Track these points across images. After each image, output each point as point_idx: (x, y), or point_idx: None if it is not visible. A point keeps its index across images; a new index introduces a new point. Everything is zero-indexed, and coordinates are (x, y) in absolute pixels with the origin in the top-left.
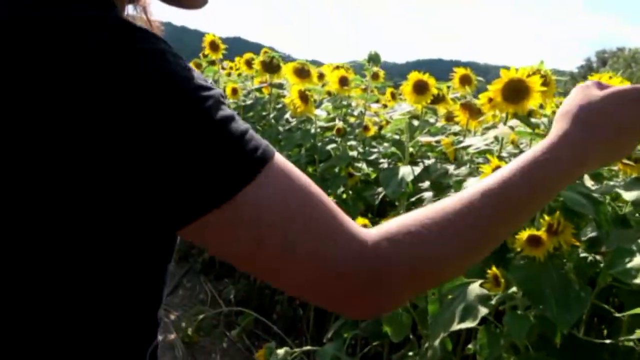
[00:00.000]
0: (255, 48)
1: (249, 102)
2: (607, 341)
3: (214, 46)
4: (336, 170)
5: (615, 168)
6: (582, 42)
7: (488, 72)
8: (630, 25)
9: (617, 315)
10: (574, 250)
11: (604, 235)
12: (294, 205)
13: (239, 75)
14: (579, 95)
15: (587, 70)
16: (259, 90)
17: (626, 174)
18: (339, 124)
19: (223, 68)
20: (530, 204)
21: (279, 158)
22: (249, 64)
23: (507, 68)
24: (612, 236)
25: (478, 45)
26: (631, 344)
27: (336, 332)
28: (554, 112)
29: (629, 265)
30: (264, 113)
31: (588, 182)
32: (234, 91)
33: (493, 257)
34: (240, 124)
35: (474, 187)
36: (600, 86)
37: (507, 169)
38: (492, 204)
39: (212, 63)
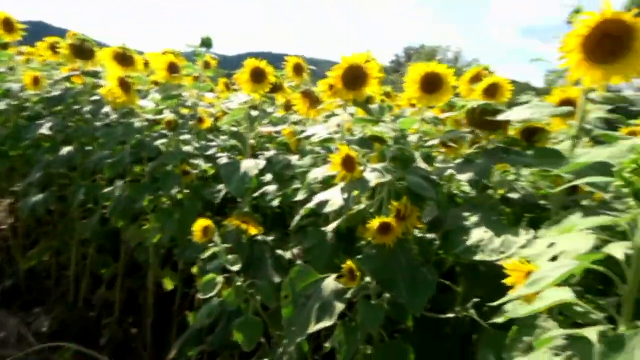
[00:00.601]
0: (63, 34)
1: (56, 93)
2: (450, 315)
3: (8, 26)
4: (169, 168)
5: (443, 150)
6: (394, 38)
7: (315, 66)
8: (436, 23)
9: (455, 288)
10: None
11: (442, 216)
12: None
13: (44, 63)
14: None
15: (397, 64)
16: (69, 79)
17: (447, 156)
18: (170, 116)
19: (21, 54)
20: None
21: None
22: (53, 49)
23: (330, 62)
24: (449, 216)
25: (305, 40)
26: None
27: (180, 351)
28: (382, 100)
29: (469, 243)
30: (76, 107)
31: (422, 164)
32: (36, 81)
33: (342, 248)
34: None
35: None
36: None
37: None
38: None
39: (5, 47)
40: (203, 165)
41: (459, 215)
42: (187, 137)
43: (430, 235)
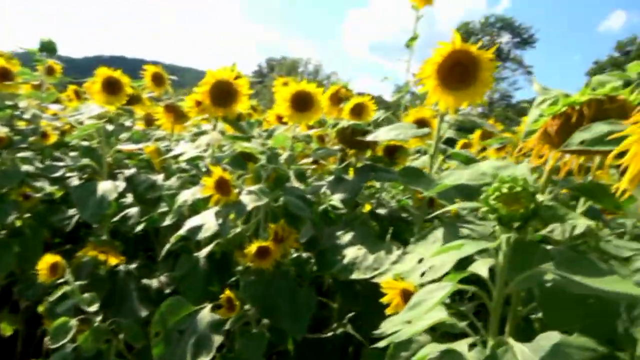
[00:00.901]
0: None
1: None
2: (329, 334)
3: None
4: (3, 191)
5: (314, 167)
6: (256, 49)
7: (174, 74)
8: (290, 37)
9: (333, 305)
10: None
11: (318, 235)
12: None
13: None
14: None
15: (259, 75)
16: None
17: (316, 172)
18: (2, 130)
19: None
20: None
21: None
22: None
23: (192, 70)
24: (324, 235)
25: (161, 44)
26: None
27: None
28: (249, 114)
29: (345, 261)
30: None
31: (296, 183)
32: None
33: (217, 275)
34: None
35: None
36: None
37: None
38: None
39: None
40: (48, 187)
41: (334, 234)
42: (26, 154)
43: (306, 255)
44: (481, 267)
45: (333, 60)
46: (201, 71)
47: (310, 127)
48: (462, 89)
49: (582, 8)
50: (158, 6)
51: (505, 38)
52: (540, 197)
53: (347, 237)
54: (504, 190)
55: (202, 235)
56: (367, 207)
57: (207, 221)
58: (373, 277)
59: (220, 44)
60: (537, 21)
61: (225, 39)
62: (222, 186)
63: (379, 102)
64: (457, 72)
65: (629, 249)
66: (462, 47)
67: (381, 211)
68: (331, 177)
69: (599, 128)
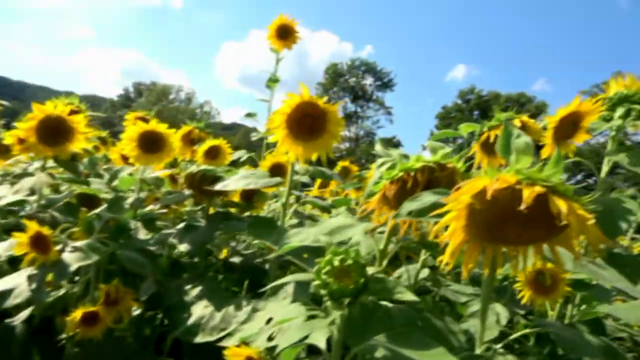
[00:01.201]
0: None
1: None
2: None
3: None
4: None
5: (164, 211)
6: (120, 71)
7: (22, 91)
8: (156, 62)
9: None
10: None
11: (163, 290)
12: None
13: None
14: None
15: (125, 98)
16: None
17: (168, 216)
18: None
19: None
20: None
21: None
22: None
23: (48, 89)
24: (171, 289)
25: (9, 59)
26: None
27: None
28: (96, 147)
29: (190, 321)
30: None
31: (142, 232)
32: None
33: (37, 345)
34: None
35: None
36: None
37: None
38: None
39: None
40: None
41: (181, 288)
42: None
43: (151, 313)
44: (320, 338)
45: (206, 90)
46: (55, 90)
47: (164, 167)
48: (311, 140)
49: (433, 59)
50: (8, 17)
51: (369, 80)
52: (370, 270)
53: (195, 291)
54: (336, 263)
55: (12, 302)
56: (225, 253)
57: (19, 284)
58: (220, 340)
59: (83, 62)
60: (397, 67)
61: (88, 58)
62: (40, 243)
63: (253, 131)
64: (306, 123)
65: (465, 294)
66: (311, 100)
67: (236, 260)
68: (182, 225)
69: (427, 198)
